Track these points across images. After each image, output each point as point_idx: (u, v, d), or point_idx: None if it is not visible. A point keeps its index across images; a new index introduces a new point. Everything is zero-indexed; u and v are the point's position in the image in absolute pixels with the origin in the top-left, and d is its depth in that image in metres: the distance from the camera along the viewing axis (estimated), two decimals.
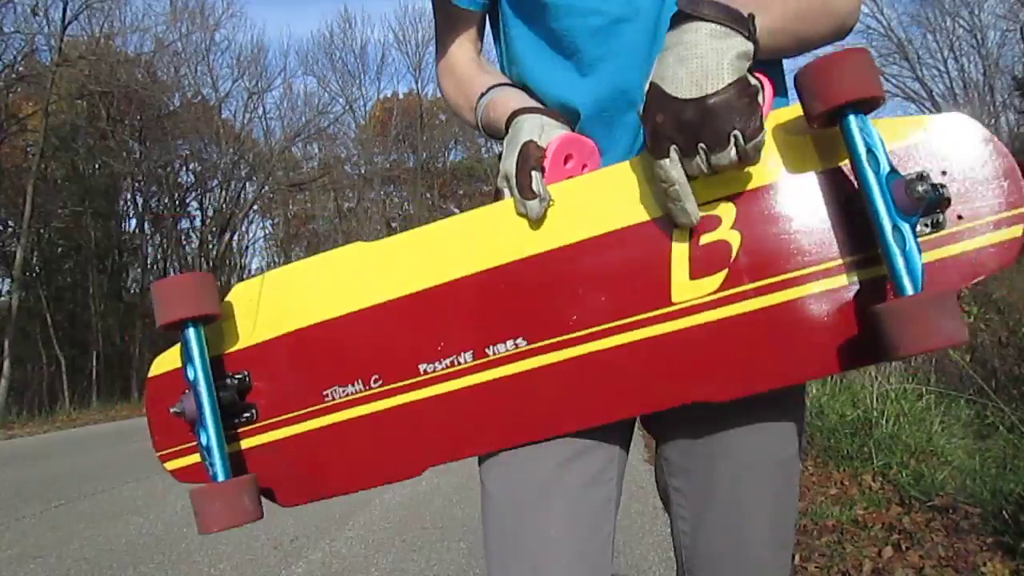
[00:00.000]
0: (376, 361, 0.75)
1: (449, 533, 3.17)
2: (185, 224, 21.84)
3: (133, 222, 21.28)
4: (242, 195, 23.01)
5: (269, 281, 0.80)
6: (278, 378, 0.78)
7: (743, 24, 0.62)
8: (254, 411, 0.78)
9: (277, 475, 0.78)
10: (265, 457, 0.78)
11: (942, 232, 0.63)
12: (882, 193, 0.60)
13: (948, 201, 0.62)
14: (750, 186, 0.67)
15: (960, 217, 0.63)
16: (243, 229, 23.22)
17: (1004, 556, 2.36)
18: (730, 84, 0.60)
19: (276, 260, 26.25)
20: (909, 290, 0.58)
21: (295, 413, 0.77)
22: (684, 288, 0.68)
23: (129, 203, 20.75)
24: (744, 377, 0.67)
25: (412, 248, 0.76)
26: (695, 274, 0.68)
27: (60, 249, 18.41)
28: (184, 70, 21.17)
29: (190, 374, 0.72)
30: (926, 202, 0.60)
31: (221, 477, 0.71)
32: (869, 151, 0.61)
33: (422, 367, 0.74)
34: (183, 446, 0.80)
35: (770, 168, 0.67)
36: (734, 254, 0.67)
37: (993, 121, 21.20)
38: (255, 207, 23.75)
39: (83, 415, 9.16)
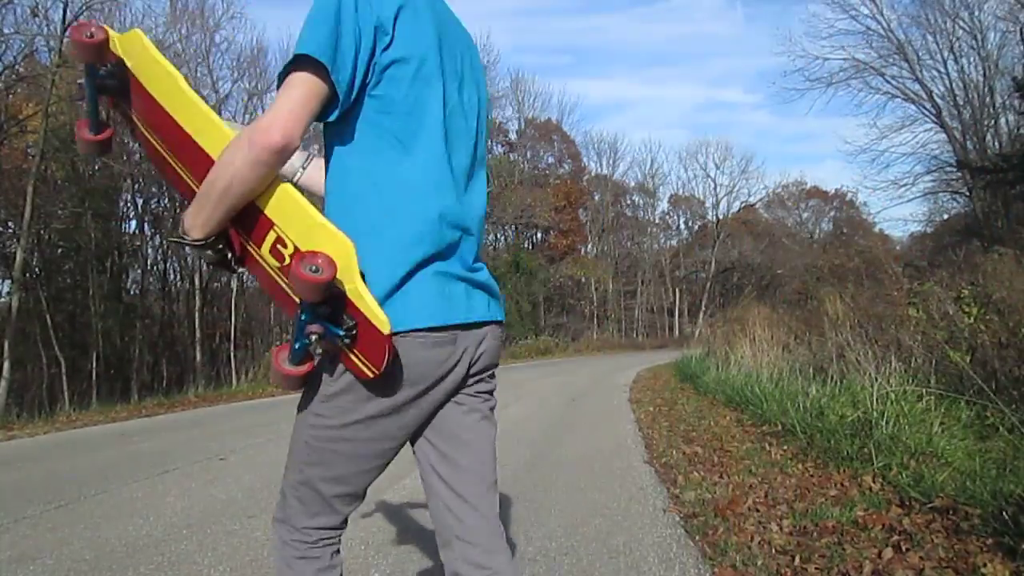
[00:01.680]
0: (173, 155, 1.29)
1: None
2: None
3: (133, 223, 21.31)
4: None
5: (145, 54, 1.23)
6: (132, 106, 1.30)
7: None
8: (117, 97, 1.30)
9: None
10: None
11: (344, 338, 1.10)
12: (299, 333, 1.12)
13: (346, 345, 1.11)
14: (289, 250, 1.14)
15: (353, 345, 1.10)
16: None
17: (1004, 557, 2.36)
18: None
19: None
20: (287, 363, 1.17)
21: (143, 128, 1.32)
22: (264, 254, 1.17)
23: (129, 204, 20.81)
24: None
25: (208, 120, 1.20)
26: (272, 253, 1.16)
27: (60, 250, 18.41)
28: (184, 71, 21.14)
29: (86, 83, 1.25)
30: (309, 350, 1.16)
31: (90, 134, 1.31)
32: (303, 328, 1.10)
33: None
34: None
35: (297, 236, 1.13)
36: (287, 260, 1.14)
37: (993, 122, 21.22)
38: None
39: (83, 416, 9.15)
